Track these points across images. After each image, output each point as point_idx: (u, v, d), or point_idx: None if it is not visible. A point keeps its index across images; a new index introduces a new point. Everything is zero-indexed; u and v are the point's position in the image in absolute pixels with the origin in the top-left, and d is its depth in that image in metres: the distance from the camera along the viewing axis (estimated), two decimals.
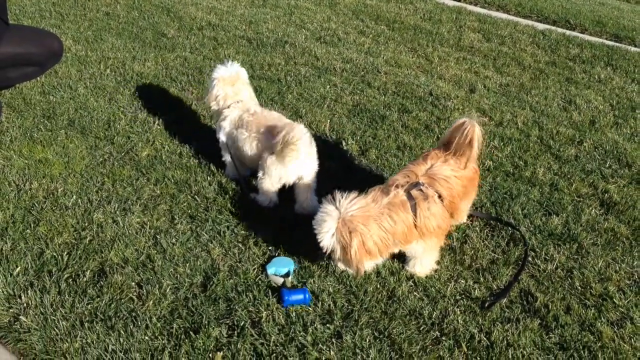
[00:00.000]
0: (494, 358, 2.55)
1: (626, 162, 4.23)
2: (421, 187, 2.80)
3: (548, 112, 4.96)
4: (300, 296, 2.74)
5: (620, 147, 4.44)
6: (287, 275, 2.87)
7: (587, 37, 7.33)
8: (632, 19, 8.38)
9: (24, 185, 3.36)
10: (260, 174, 3.33)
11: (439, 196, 2.82)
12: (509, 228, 3.36)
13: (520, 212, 3.53)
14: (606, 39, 7.45)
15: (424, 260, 2.96)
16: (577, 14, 8.16)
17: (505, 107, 4.96)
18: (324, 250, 2.67)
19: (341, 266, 2.76)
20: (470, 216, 3.40)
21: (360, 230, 2.59)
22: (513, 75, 5.73)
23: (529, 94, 5.30)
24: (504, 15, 7.94)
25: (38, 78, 4.46)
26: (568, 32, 7.35)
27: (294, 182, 3.33)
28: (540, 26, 7.52)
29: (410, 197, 2.76)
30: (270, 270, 2.89)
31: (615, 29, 7.70)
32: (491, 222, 3.42)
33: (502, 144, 4.32)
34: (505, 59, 6.13)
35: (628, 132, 4.73)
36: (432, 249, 2.94)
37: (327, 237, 2.62)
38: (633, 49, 7.00)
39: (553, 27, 7.53)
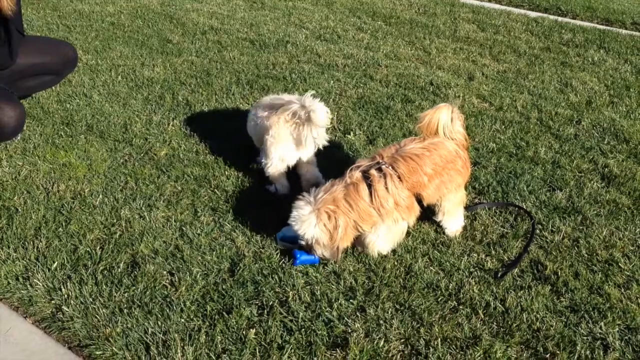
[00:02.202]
0: (509, 322, 2.72)
1: (624, 138, 4.40)
2: (381, 166, 2.93)
3: (546, 95, 5.13)
4: (312, 256, 2.95)
5: (617, 124, 4.61)
6: (295, 243, 3.04)
7: (578, 22, 7.51)
8: (622, 3, 8.56)
9: (52, 188, 3.52)
10: (263, 161, 3.50)
11: (399, 176, 2.91)
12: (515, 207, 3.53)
13: (525, 189, 3.69)
14: (597, 23, 7.63)
15: (382, 237, 3.03)
16: (568, 1, 8.34)
17: (504, 92, 5.13)
18: (308, 242, 2.88)
19: (324, 254, 2.93)
20: (471, 207, 3.46)
21: (337, 211, 2.84)
22: (509, 62, 5.90)
23: (526, 79, 5.47)
24: (497, 6, 8.11)
25: (53, 87, 4.62)
26: (560, 19, 7.52)
27: (296, 162, 3.52)
28: (533, 14, 7.70)
29: (366, 177, 2.91)
30: (280, 237, 3.13)
31: (605, 13, 7.88)
32: (495, 204, 3.58)
33: (503, 127, 4.49)
34: (501, 47, 6.30)
35: (624, 109, 4.90)
36: (394, 229, 3.01)
37: (310, 228, 2.85)
38: (624, 31, 7.18)
39: (545, 15, 7.71)
